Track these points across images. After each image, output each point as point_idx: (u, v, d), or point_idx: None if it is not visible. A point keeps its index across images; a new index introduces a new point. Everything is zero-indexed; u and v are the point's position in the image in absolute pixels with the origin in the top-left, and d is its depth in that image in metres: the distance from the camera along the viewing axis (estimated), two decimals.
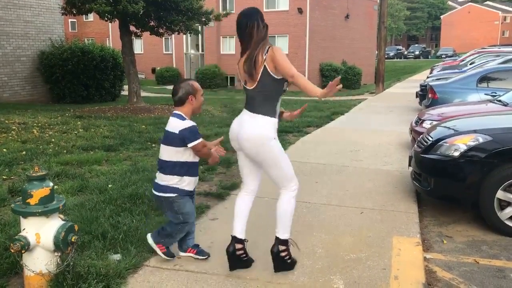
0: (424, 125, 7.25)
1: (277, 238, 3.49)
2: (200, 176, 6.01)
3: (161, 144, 3.52)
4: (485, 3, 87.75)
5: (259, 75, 3.26)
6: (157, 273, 3.47)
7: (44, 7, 15.11)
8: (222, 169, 6.51)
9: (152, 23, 13.74)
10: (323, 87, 3.15)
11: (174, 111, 3.49)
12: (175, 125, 3.42)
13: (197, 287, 3.29)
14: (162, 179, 3.52)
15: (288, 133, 9.65)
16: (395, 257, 3.80)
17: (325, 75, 27.73)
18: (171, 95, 3.58)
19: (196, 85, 3.55)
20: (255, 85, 3.31)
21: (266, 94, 3.31)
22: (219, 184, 5.76)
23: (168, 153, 3.47)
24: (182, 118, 3.43)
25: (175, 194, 3.49)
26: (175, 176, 3.47)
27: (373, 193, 5.57)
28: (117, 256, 3.59)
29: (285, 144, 8.24)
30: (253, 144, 3.32)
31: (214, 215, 4.73)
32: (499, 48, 27.68)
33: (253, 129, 3.32)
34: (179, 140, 3.39)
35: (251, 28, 3.27)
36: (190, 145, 3.40)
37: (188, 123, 3.41)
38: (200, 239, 4.10)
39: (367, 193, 5.54)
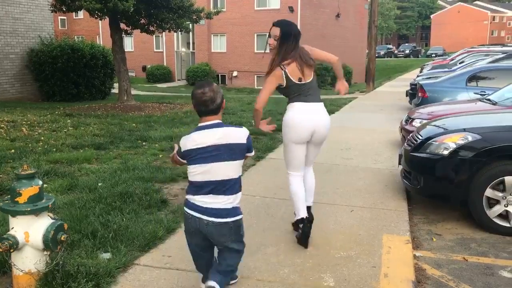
0: (414, 123, 7.29)
1: (309, 207, 4.08)
2: None
3: (223, 162, 2.85)
4: (475, 2, 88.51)
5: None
6: (148, 271, 3.45)
7: (33, 4, 14.98)
8: None
9: (142, 21, 13.69)
10: None
11: (215, 121, 2.91)
12: (238, 135, 2.93)
13: (188, 285, 3.29)
14: (227, 201, 2.88)
15: (279, 132, 9.62)
16: (385, 255, 3.82)
17: (316, 73, 27.74)
18: (199, 107, 2.89)
19: None
20: (312, 77, 3.96)
21: (317, 83, 4.05)
22: None
23: (236, 169, 2.93)
24: (235, 126, 3.03)
25: (241, 215, 3.00)
26: (239, 193, 2.97)
27: (363, 191, 5.59)
28: (107, 255, 3.58)
29: (276, 142, 8.25)
30: (328, 128, 4.03)
31: None
32: (488, 47, 27.89)
33: (328, 116, 4.04)
34: (245, 150, 2.97)
35: (297, 34, 3.90)
36: (251, 154, 3.10)
37: (246, 129, 3.03)
38: None
39: (358, 192, 5.56)
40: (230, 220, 2.87)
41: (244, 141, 2.93)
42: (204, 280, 3.06)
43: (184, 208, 2.93)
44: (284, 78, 3.83)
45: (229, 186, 2.88)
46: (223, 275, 2.95)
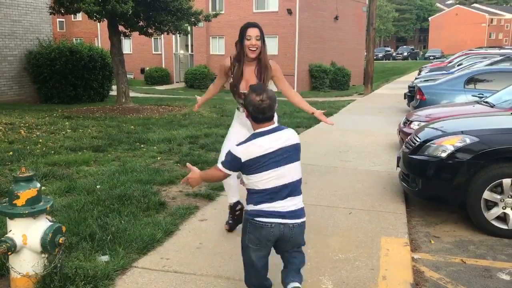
0: (412, 126, 7.30)
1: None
2: None
3: (294, 163, 2.85)
4: (473, 5, 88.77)
5: None
6: (146, 274, 3.45)
7: (32, 6, 14.97)
8: None
9: (141, 23, 13.68)
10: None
11: (276, 124, 2.90)
12: (295, 136, 2.91)
13: None
14: (301, 200, 2.88)
15: None
16: (383, 257, 3.82)
17: (314, 76, 27.83)
18: (257, 114, 2.81)
19: None
20: None
21: None
22: (208, 185, 5.74)
23: (299, 169, 2.91)
24: (285, 127, 2.97)
25: None
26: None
27: (362, 193, 5.59)
28: (105, 258, 3.57)
29: None
30: None
31: (203, 216, 4.72)
32: (486, 50, 27.98)
33: None
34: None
35: None
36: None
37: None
38: (189, 239, 4.10)
39: (356, 194, 5.56)
40: (304, 220, 2.88)
41: (299, 140, 2.92)
42: None
43: (257, 219, 2.77)
44: None
45: (299, 186, 2.88)
46: (300, 274, 2.93)
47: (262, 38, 3.87)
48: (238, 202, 4.31)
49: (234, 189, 4.27)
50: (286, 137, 2.85)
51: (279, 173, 2.78)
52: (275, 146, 2.79)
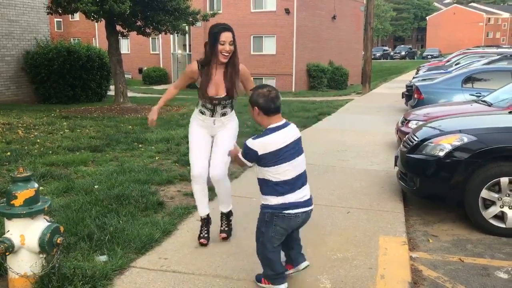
0: (410, 125, 7.31)
1: None
2: (188, 177, 6.00)
3: (301, 155, 3.11)
4: (470, 4, 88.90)
5: None
6: (144, 274, 3.45)
7: (29, 6, 14.94)
8: None
9: (139, 23, 13.68)
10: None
11: (285, 120, 3.12)
12: (298, 130, 3.19)
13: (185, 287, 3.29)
14: (309, 188, 3.19)
15: None
16: (381, 257, 3.82)
17: (312, 75, 27.83)
18: (269, 104, 3.03)
19: None
20: None
21: None
22: None
23: (305, 160, 3.19)
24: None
25: None
26: None
27: (360, 193, 5.60)
28: (103, 258, 3.57)
29: None
30: None
31: None
32: (484, 49, 28.03)
33: None
34: None
35: None
36: None
37: None
38: (187, 239, 4.10)
39: (354, 193, 5.57)
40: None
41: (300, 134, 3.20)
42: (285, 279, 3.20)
43: (285, 212, 3.02)
44: None
45: (306, 175, 3.17)
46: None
47: (234, 42, 3.74)
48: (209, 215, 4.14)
49: (207, 200, 4.10)
50: (294, 131, 3.11)
51: (294, 164, 3.04)
52: (288, 140, 3.03)
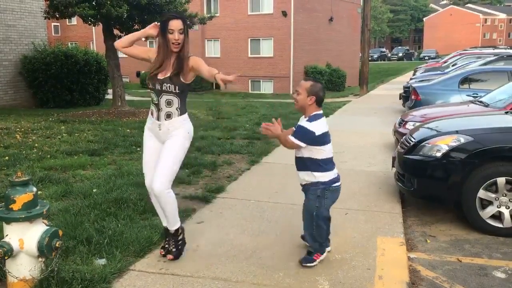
0: (407, 126, 7.33)
1: None
2: (186, 180, 6.03)
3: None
4: (467, 5, 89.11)
5: None
6: (143, 277, 3.46)
7: (27, 11, 14.94)
8: (208, 173, 6.51)
9: (136, 27, 13.67)
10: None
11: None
12: None
13: None
14: None
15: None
16: (379, 257, 3.84)
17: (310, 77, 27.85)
18: (322, 96, 3.65)
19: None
20: None
21: None
22: (205, 187, 5.76)
23: None
24: None
25: None
26: None
27: (358, 194, 5.61)
28: (102, 261, 3.58)
29: (270, 146, 8.27)
30: None
31: (200, 218, 4.73)
32: (481, 50, 28.11)
33: None
34: None
35: None
36: None
37: None
38: (186, 242, 4.10)
39: (352, 194, 5.58)
40: None
41: None
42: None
43: (334, 185, 3.67)
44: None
45: None
46: None
47: (185, 31, 3.56)
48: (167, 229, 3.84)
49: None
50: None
51: (331, 145, 3.67)
52: (327, 125, 3.64)
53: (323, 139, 3.56)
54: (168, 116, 3.61)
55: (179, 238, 3.82)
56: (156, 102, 3.63)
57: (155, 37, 3.66)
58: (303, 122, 3.60)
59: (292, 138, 3.54)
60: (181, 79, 3.57)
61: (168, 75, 3.56)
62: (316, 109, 3.60)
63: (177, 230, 3.79)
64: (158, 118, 3.65)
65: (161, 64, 3.59)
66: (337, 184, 3.69)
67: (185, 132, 3.66)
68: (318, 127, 3.53)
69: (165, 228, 3.85)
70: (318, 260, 3.67)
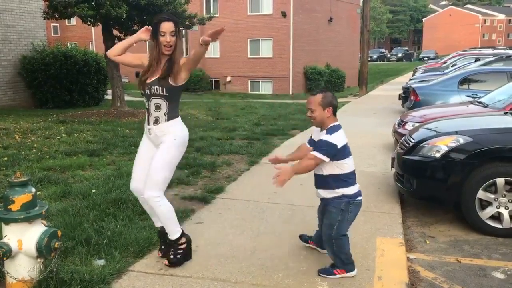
0: (406, 127, 7.33)
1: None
2: (185, 180, 6.02)
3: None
4: (466, 6, 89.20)
5: None
6: (142, 278, 3.45)
7: (26, 11, 14.94)
8: (207, 173, 6.51)
9: (135, 27, 13.68)
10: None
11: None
12: None
13: None
14: None
15: (273, 136, 9.69)
16: (378, 258, 3.83)
17: (309, 78, 27.86)
18: (337, 105, 3.54)
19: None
20: None
21: None
22: (204, 188, 5.76)
23: None
24: None
25: None
26: None
27: None
28: (101, 262, 3.57)
29: (270, 147, 8.27)
30: None
31: (199, 219, 4.73)
32: (480, 50, 28.13)
33: None
34: None
35: None
36: None
37: None
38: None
39: None
40: None
41: None
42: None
43: (357, 199, 3.47)
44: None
45: None
46: None
47: (176, 33, 3.48)
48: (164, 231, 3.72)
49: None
50: None
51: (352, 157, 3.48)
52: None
53: (344, 151, 3.38)
54: (156, 121, 3.55)
55: (179, 247, 3.65)
56: (147, 107, 3.60)
57: (147, 41, 3.63)
58: (323, 135, 3.38)
59: (315, 153, 3.31)
60: (170, 81, 3.50)
61: (157, 77, 3.51)
62: (334, 119, 3.44)
63: (177, 239, 3.65)
64: (148, 123, 3.61)
65: (150, 67, 3.55)
66: (360, 198, 3.50)
67: (172, 139, 3.52)
68: (338, 139, 3.36)
69: (159, 230, 3.81)
70: (339, 276, 3.45)
